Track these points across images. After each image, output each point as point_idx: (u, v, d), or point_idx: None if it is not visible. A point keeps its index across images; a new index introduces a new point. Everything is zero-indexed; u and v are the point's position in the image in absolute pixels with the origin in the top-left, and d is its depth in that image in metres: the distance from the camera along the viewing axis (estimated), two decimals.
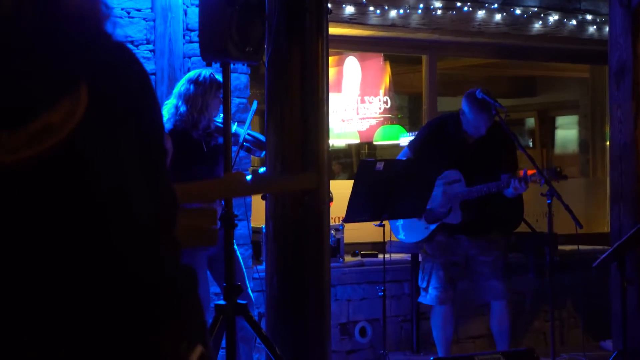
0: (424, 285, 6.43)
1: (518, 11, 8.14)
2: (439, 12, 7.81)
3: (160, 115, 1.84)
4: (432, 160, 6.37)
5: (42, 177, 1.58)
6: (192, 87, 5.53)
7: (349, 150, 10.41)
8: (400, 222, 6.56)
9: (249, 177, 5.79)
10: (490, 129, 6.25)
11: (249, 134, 5.61)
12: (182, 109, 5.51)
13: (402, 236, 6.62)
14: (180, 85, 5.61)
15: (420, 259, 6.72)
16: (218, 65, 5.02)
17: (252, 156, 6.61)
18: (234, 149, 5.29)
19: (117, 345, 1.61)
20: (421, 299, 6.52)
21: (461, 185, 6.27)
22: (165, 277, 1.72)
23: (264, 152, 5.62)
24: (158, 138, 1.81)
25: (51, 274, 1.59)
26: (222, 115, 5.58)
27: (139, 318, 1.64)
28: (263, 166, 5.61)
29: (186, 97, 5.52)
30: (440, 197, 6.34)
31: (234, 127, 5.56)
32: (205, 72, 5.58)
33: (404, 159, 6.46)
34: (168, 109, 5.56)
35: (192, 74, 5.64)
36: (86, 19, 1.69)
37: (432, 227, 6.38)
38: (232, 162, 5.02)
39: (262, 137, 5.68)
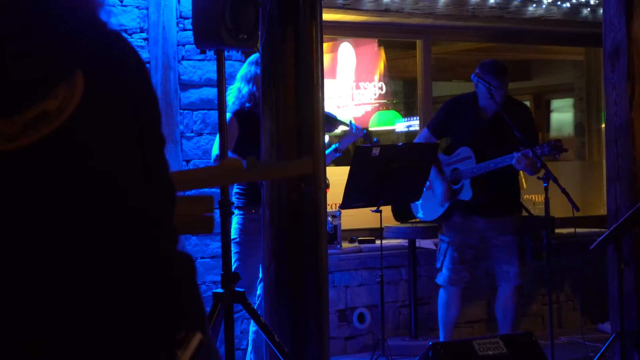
0: (439, 265, 6.51)
1: None
2: None
3: (157, 103, 1.84)
4: (450, 137, 6.61)
5: (41, 164, 1.58)
6: (253, 67, 5.79)
7: (344, 137, 10.40)
8: (419, 201, 6.64)
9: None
10: (506, 104, 6.30)
11: None
12: (245, 90, 5.77)
13: (420, 214, 6.75)
14: (243, 69, 5.88)
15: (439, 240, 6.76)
16: (212, 52, 5.02)
17: None
18: None
19: (111, 331, 1.61)
20: (437, 280, 6.58)
21: (471, 162, 6.32)
22: (162, 262, 1.72)
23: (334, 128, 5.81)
24: (155, 125, 1.81)
25: (49, 258, 1.59)
26: None
27: (135, 303, 1.64)
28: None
29: (249, 79, 5.79)
30: (452, 175, 6.41)
31: None
32: None
33: (422, 140, 6.54)
34: (233, 92, 5.82)
35: (253, 56, 5.86)
36: (80, 7, 1.68)
37: (447, 204, 6.44)
38: None
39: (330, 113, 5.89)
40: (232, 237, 5.68)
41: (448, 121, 6.54)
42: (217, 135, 5.69)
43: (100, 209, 1.63)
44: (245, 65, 5.89)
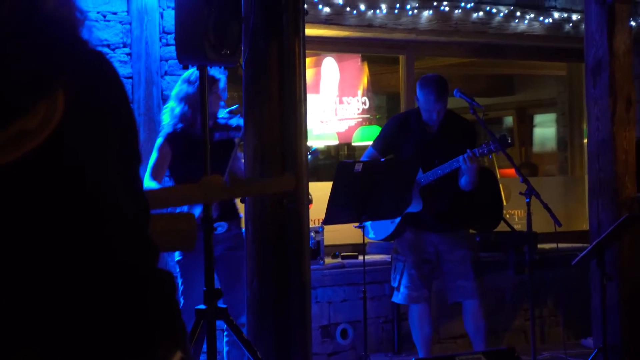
0: (396, 284, 6.44)
1: (494, 10, 8.16)
2: (416, 11, 7.82)
3: (135, 121, 1.84)
4: (396, 154, 6.49)
5: (30, 178, 1.59)
6: (184, 86, 5.63)
7: (328, 152, 10.41)
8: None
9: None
10: (450, 119, 6.32)
11: None
12: (178, 109, 5.62)
13: (372, 235, 6.62)
14: (177, 87, 5.73)
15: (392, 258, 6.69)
16: (195, 67, 5.01)
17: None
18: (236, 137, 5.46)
19: (103, 341, 1.61)
20: (394, 299, 6.54)
21: (418, 173, 6.27)
22: (155, 277, 1.74)
23: None
24: (134, 142, 1.82)
25: (45, 271, 1.59)
26: (224, 110, 5.70)
27: (131, 316, 1.65)
28: None
29: (181, 97, 5.63)
30: None
31: (236, 120, 5.70)
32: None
33: (367, 157, 6.51)
34: (167, 112, 5.68)
35: (186, 74, 5.71)
36: (61, 25, 1.69)
37: (397, 220, 6.38)
38: (231, 157, 5.14)
39: None
40: (176, 259, 5.66)
41: (393, 138, 6.48)
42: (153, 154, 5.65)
43: (95, 221, 1.64)
44: (179, 83, 5.75)
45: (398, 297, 6.46)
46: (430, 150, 6.29)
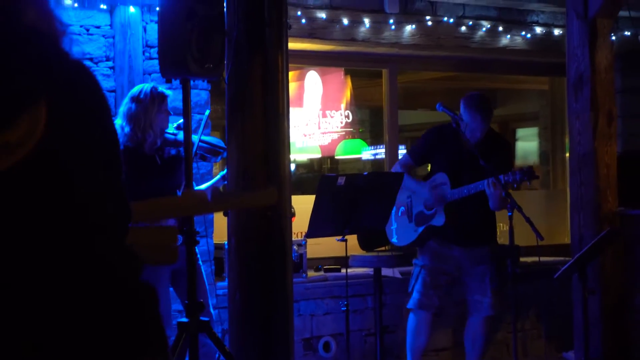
0: (410, 289, 6.50)
1: (476, 25, 8.20)
2: (398, 26, 7.84)
3: (115, 131, 1.85)
4: (431, 164, 6.67)
5: (10, 193, 1.58)
6: (133, 105, 5.52)
7: (311, 165, 10.42)
8: (394, 225, 6.68)
9: (203, 186, 5.83)
10: (490, 137, 6.34)
11: (202, 141, 5.60)
12: (127, 129, 5.51)
13: (395, 239, 6.74)
14: (124, 104, 5.59)
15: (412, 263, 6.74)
16: (178, 81, 5.01)
17: (213, 170, 6.62)
18: None
19: (88, 351, 1.61)
20: (408, 304, 6.56)
21: (446, 188, 6.33)
22: (136, 287, 1.74)
23: (219, 158, 5.64)
24: (116, 153, 1.82)
25: (33, 280, 1.60)
26: (172, 126, 5.62)
27: (113, 325, 1.65)
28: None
29: (129, 117, 5.52)
30: (427, 200, 6.41)
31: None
32: (147, 87, 5.58)
33: (401, 165, 6.64)
34: (117, 129, 5.49)
35: (134, 90, 5.62)
36: (42, 37, 1.68)
37: (420, 229, 6.48)
38: (183, 173, 5.04)
39: (216, 142, 5.67)
40: None
41: (430, 148, 6.56)
42: None
43: (81, 232, 1.64)
44: (126, 100, 5.59)
45: (410, 302, 6.52)
46: (462, 165, 6.34)
